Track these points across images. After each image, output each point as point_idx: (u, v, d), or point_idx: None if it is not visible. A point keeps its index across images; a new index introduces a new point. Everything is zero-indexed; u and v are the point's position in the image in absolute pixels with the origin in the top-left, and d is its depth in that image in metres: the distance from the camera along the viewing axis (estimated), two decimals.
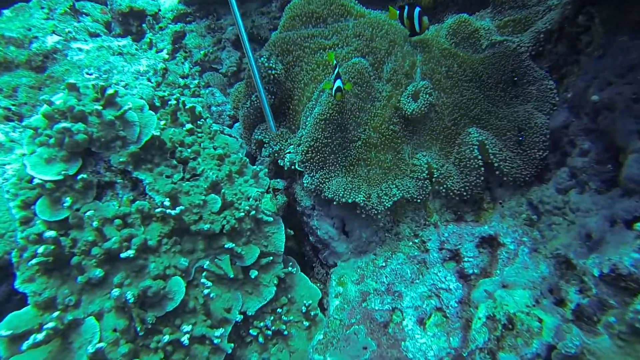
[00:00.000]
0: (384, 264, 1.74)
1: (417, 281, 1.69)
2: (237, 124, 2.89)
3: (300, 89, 1.87)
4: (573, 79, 1.64)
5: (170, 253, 1.52)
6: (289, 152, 1.73)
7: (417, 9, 1.82)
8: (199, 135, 1.83)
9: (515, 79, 1.85)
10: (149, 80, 2.47)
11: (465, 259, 1.62)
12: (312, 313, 1.74)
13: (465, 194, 1.67)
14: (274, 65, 1.80)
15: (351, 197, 1.58)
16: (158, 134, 1.59)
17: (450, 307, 1.56)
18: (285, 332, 1.71)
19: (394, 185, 1.65)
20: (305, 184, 1.67)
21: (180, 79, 3.24)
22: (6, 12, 2.63)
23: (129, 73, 2.31)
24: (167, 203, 1.48)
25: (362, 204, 1.60)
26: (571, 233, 1.38)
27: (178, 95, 2.99)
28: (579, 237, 1.34)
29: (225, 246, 1.58)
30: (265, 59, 1.80)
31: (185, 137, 1.76)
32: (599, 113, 1.36)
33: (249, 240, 1.69)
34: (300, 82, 1.89)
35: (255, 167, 1.76)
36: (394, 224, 1.80)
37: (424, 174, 1.65)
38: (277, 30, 2.15)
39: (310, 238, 1.85)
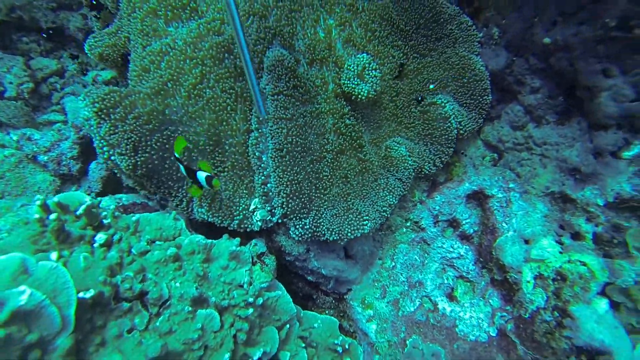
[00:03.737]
0: (393, 264, 1.70)
1: (427, 261, 1.72)
2: (92, 165, 2.14)
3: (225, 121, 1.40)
4: (490, 14, 1.67)
5: None
6: (257, 208, 1.36)
7: None
8: (118, 238, 1.25)
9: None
10: None
11: (463, 222, 1.70)
12: (345, 345, 1.64)
13: (441, 166, 1.67)
14: None
15: (359, 230, 1.40)
16: (92, 293, 1.01)
17: (470, 272, 1.68)
18: None
19: (388, 192, 1.52)
20: (296, 237, 1.38)
21: None
22: None
23: None
24: None
25: (371, 228, 1.45)
26: (550, 169, 1.57)
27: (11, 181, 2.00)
28: (561, 171, 1.53)
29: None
30: None
31: (110, 259, 1.18)
32: (551, 54, 1.45)
33: (262, 327, 1.39)
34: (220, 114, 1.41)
35: (227, 244, 1.34)
36: None
37: (409, 172, 1.55)
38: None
39: (309, 277, 1.63)
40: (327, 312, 1.78)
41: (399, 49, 1.76)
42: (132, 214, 1.39)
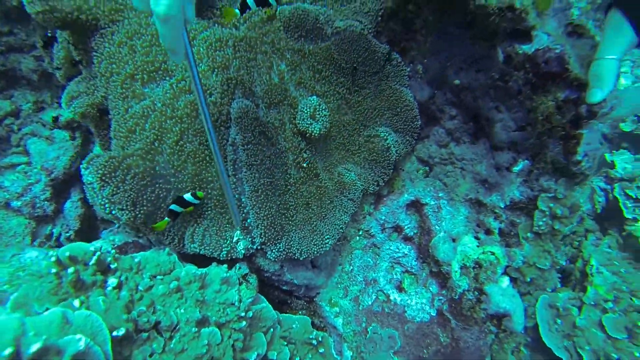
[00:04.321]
0: (351, 268, 2.13)
1: (379, 262, 2.18)
2: (67, 204, 2.37)
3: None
4: (415, 54, 2.10)
5: None
6: (240, 239, 1.72)
7: None
8: (125, 278, 1.55)
9: (355, 66, 2.14)
10: None
11: (405, 227, 2.17)
12: (318, 339, 2.06)
13: (383, 184, 2.11)
14: None
15: (323, 248, 1.81)
16: (122, 332, 1.32)
17: (413, 267, 2.15)
18: None
19: (342, 212, 1.93)
20: (272, 258, 1.77)
21: None
22: None
23: None
24: None
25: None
26: (468, 179, 2.06)
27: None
28: (476, 182, 2.04)
29: None
30: None
31: (123, 298, 1.49)
32: (460, 91, 1.92)
33: (252, 334, 1.76)
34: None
35: (217, 271, 1.68)
36: None
37: (359, 193, 1.97)
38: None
39: (283, 287, 2.02)
40: (300, 312, 2.18)
41: (343, 85, 2.15)
42: (131, 255, 1.68)
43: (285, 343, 1.91)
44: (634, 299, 2.32)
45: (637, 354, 2.12)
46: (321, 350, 2.02)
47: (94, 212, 2.53)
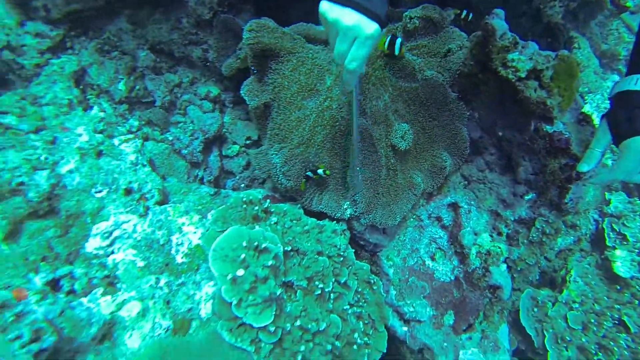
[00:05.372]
0: (404, 238, 3.27)
1: (422, 238, 3.31)
2: (212, 157, 3.46)
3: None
4: (475, 105, 3.14)
5: None
6: (348, 208, 2.85)
7: (399, 39, 2.87)
8: (277, 219, 2.68)
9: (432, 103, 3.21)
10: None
11: (444, 218, 3.28)
12: (374, 280, 3.20)
13: (436, 188, 3.21)
14: None
15: (393, 223, 2.93)
16: (289, 248, 2.46)
17: (444, 246, 3.29)
18: (367, 297, 3.18)
19: (407, 202, 3.03)
20: (363, 223, 2.90)
21: (119, 128, 3.32)
22: None
23: None
24: (302, 283, 2.54)
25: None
26: (493, 197, 3.16)
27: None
28: (498, 200, 3.13)
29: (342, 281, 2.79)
30: None
31: (278, 230, 2.62)
32: (501, 140, 2.99)
33: (342, 267, 2.91)
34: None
35: (330, 225, 2.80)
36: None
37: (420, 191, 3.07)
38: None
39: (360, 242, 3.16)
40: (364, 261, 3.33)
41: (422, 116, 3.20)
42: (277, 204, 2.79)
43: (356, 278, 3.06)
44: (595, 304, 3.46)
45: (583, 340, 3.27)
46: (374, 288, 3.18)
47: (224, 165, 3.65)
